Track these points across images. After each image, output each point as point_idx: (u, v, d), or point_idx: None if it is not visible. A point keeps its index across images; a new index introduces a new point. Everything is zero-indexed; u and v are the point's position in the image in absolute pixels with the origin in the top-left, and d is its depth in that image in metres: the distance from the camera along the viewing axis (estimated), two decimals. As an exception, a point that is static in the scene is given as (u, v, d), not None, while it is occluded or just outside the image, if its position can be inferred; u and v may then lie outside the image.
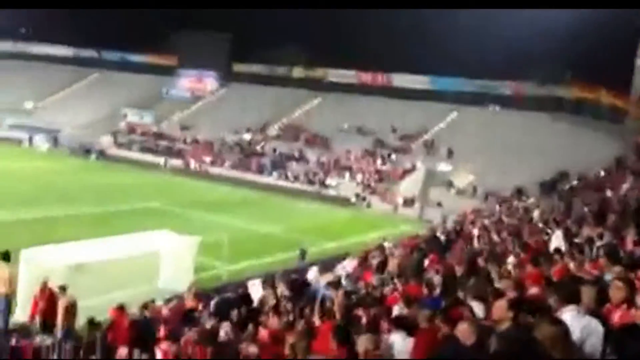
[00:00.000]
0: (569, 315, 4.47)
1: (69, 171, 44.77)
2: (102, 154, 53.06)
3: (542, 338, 3.62)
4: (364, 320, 7.40)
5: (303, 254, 23.89)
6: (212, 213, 32.11)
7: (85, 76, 71.31)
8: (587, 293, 4.98)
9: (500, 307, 4.89)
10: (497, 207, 33.46)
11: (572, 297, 4.68)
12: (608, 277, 6.64)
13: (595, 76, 44.39)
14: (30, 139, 56.22)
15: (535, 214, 25.11)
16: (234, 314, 11.19)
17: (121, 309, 12.95)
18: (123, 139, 56.53)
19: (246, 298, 13.89)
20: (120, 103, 62.20)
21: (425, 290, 10.68)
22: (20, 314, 14.19)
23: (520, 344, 3.45)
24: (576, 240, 14.22)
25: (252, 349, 7.90)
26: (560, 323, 3.86)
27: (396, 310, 8.59)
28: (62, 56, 75.10)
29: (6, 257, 13.08)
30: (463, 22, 47.87)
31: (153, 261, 19.06)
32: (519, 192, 37.25)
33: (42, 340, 12.49)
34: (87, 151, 52.99)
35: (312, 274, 16.43)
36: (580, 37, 41.80)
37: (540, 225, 21.46)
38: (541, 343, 3.52)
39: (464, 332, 4.52)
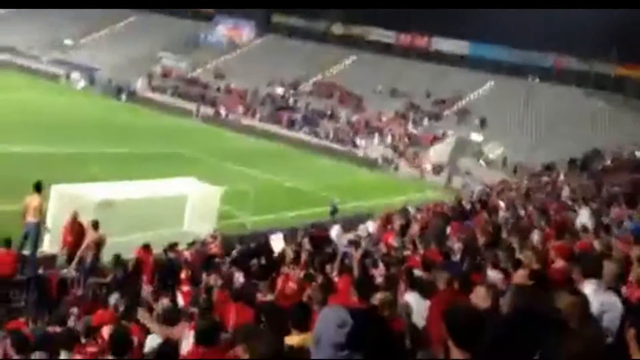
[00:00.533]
0: (589, 289, 4.45)
1: (102, 110, 45.27)
2: (132, 95, 53.40)
3: (560, 306, 3.62)
4: (380, 279, 7.44)
5: (334, 209, 23.99)
6: (240, 164, 32.32)
7: (126, 17, 71.33)
8: (609, 269, 4.93)
9: (521, 276, 4.87)
10: (526, 181, 33.08)
11: (593, 271, 4.65)
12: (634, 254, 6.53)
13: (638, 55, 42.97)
14: (68, 75, 56.80)
15: (565, 190, 24.77)
16: (254, 263, 11.37)
17: (147, 248, 13.27)
18: (157, 82, 56.79)
19: (267, 249, 14.10)
20: (157, 46, 62.27)
21: (444, 256, 10.70)
22: (48, 245, 14.62)
23: (536, 302, 3.44)
24: (604, 220, 13.99)
25: (269, 297, 8.04)
26: (579, 294, 3.85)
27: (415, 273, 8.64)
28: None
29: (38, 187, 13.38)
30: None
31: (178, 205, 19.43)
32: (549, 168, 36.68)
33: (68, 272, 12.88)
34: (119, 90, 53.44)
35: (334, 232, 16.56)
36: (627, 14, 40.34)
37: (569, 202, 21.20)
38: (559, 311, 3.52)
39: (479, 296, 4.52)
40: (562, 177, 33.56)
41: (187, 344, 5.71)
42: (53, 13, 66.52)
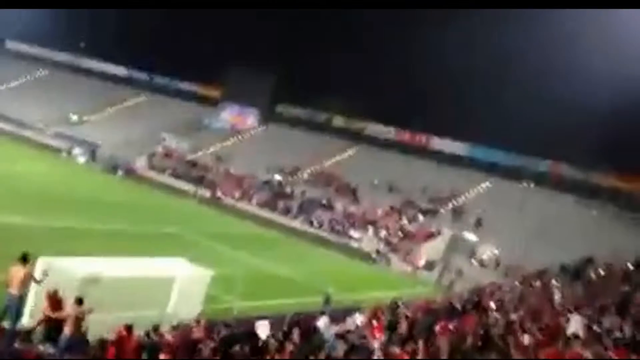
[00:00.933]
0: None
1: (100, 186, 45.61)
2: (128, 172, 53.85)
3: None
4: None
5: (327, 299, 23.64)
6: (232, 247, 32.15)
7: (134, 96, 73.30)
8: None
9: None
10: (518, 284, 32.83)
11: None
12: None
13: (635, 167, 43.89)
14: (69, 150, 57.56)
15: (556, 296, 24.57)
16: (237, 349, 11.09)
17: (129, 328, 12.95)
18: (157, 162, 57.46)
19: (252, 336, 13.77)
20: (160, 127, 63.53)
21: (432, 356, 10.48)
22: (27, 320, 14.26)
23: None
24: (595, 328, 13.82)
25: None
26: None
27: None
28: (113, 74, 77.72)
29: (25, 258, 13.25)
30: (510, 95, 48.17)
31: (165, 286, 19.07)
32: (542, 273, 36.47)
33: (45, 348, 12.51)
34: (114, 168, 53.97)
35: (322, 323, 16.23)
36: (623, 127, 41.60)
37: (560, 308, 20.97)
38: None
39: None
40: (554, 282, 33.36)
41: None
42: (62, 88, 68.49)
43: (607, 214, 44.39)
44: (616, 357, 9.38)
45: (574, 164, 49.71)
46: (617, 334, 12.70)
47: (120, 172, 53.28)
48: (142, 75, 76.68)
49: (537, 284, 33.03)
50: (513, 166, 52.29)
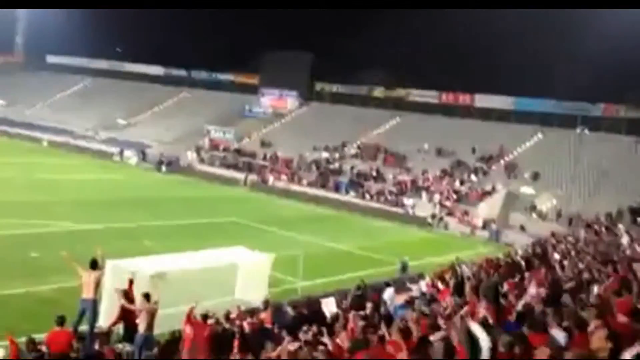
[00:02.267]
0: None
1: (154, 184, 46.70)
2: (169, 166, 54.92)
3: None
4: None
5: (404, 266, 23.65)
6: (288, 229, 32.50)
7: (175, 94, 74.49)
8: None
9: (599, 338, 4.66)
10: (583, 232, 32.04)
11: None
12: None
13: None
14: (121, 153, 59.09)
15: (624, 240, 23.88)
16: (305, 329, 11.23)
17: (205, 317, 13.32)
18: (205, 155, 58.36)
19: (319, 315, 13.93)
20: (204, 120, 64.41)
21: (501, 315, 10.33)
22: (103, 321, 14.83)
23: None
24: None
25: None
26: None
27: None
28: (152, 75, 79.09)
29: (94, 264, 13.75)
30: (549, 43, 46.58)
31: (229, 274, 19.53)
32: (607, 218, 35.49)
33: (122, 347, 12.99)
34: (159, 164, 55.16)
35: (387, 294, 16.25)
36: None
37: (629, 252, 20.39)
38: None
39: (540, 357, 4.33)
40: (620, 226, 32.40)
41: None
42: (105, 94, 70.19)
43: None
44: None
45: (628, 103, 47.82)
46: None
47: (164, 168, 54.42)
48: (180, 72, 77.80)
49: (603, 229, 32.18)
50: (564, 114, 50.67)
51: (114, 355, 12.44)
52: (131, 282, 14.78)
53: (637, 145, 45.00)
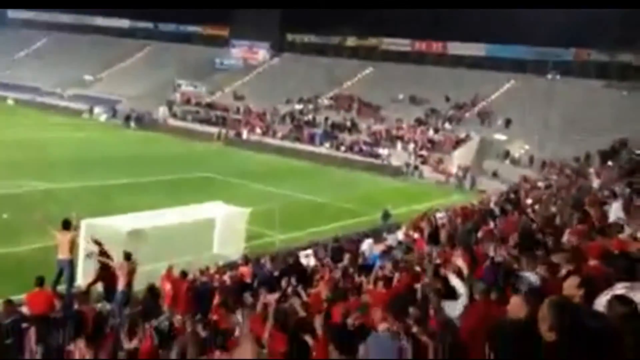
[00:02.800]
0: (619, 291, 4.29)
1: (126, 141, 46.00)
2: (140, 121, 54.08)
3: (613, 316, 3.49)
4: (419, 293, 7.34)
5: (386, 215, 23.82)
6: (264, 183, 32.46)
7: (141, 48, 72.66)
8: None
9: (571, 285, 4.73)
10: (555, 177, 32.59)
11: (626, 272, 4.46)
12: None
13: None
14: (91, 110, 57.91)
15: (595, 184, 24.34)
16: (285, 282, 11.34)
17: (184, 274, 13.36)
18: (177, 109, 57.51)
19: (298, 268, 14.06)
20: (174, 74, 63.15)
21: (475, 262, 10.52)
22: (82, 280, 14.80)
23: (584, 318, 3.29)
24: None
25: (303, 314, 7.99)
26: (631, 303, 3.71)
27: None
28: (118, 28, 76.82)
29: (66, 225, 13.60)
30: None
31: (207, 230, 19.56)
32: (577, 162, 36.11)
33: (102, 305, 13.00)
34: (127, 118, 54.30)
35: (366, 245, 16.46)
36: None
37: (600, 195, 20.80)
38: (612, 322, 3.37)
39: (515, 306, 4.41)
40: (591, 170, 33.01)
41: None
42: (71, 52, 68.21)
43: (637, 92, 43.17)
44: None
45: (599, 48, 48.00)
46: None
47: (132, 124, 53.58)
48: (146, 25, 75.61)
49: (573, 173, 32.77)
50: (535, 60, 50.73)
51: (94, 314, 12.45)
52: (98, 243, 14.46)
53: (607, 89, 45.44)
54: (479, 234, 14.69)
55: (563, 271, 7.41)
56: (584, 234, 11.93)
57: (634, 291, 4.44)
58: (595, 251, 8.54)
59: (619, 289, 4.40)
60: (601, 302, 4.41)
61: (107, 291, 13.45)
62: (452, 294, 6.57)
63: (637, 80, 45.12)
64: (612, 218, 14.34)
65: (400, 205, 29.03)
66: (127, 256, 13.39)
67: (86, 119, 56.22)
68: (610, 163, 33.61)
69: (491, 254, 10.84)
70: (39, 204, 22.74)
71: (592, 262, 7.95)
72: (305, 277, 12.30)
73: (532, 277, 7.74)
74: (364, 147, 45.95)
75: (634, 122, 37.95)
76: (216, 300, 12.69)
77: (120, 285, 13.04)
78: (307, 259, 15.24)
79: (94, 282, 14.28)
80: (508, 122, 44.85)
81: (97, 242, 14.54)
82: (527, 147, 41.66)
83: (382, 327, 4.49)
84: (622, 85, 45.09)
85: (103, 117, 56.95)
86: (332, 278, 10.90)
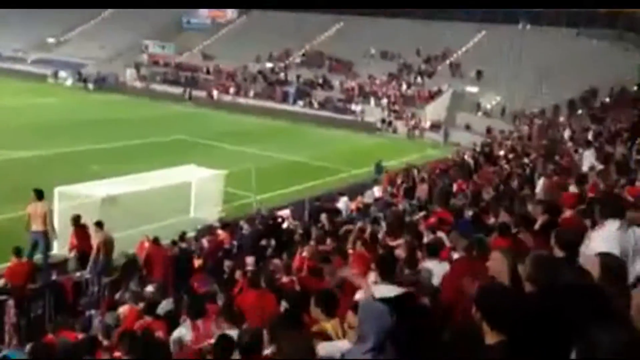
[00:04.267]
0: (613, 226, 4.34)
1: (94, 106, 44.96)
2: (103, 82, 52.94)
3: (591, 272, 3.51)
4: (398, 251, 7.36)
5: (379, 167, 23.71)
6: (238, 144, 32.15)
7: (103, 9, 70.36)
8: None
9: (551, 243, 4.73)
10: (526, 127, 32.93)
11: (615, 213, 4.49)
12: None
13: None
14: (55, 74, 56.32)
15: (566, 133, 24.64)
16: (264, 244, 11.33)
17: (156, 241, 13.25)
18: (145, 71, 56.28)
19: (276, 228, 14.06)
20: (141, 35, 61.52)
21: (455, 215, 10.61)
22: (58, 249, 14.60)
23: (565, 273, 3.32)
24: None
25: (286, 279, 7.99)
26: (610, 256, 3.73)
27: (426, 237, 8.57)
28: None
29: (40, 194, 13.32)
30: None
31: (183, 193, 19.40)
32: (548, 112, 36.49)
33: (80, 275, 12.88)
34: (84, 80, 53.14)
35: (342, 203, 16.48)
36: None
37: (571, 144, 21.08)
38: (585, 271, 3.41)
39: (496, 260, 4.41)
40: (562, 119, 33.38)
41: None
42: (30, 12, 65.68)
43: (608, 40, 43.40)
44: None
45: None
46: (634, 159, 12.74)
47: (90, 86, 52.44)
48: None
49: (545, 123, 33.13)
50: (506, 10, 50.42)
51: (72, 284, 12.36)
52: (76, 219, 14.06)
53: (578, 37, 45.57)
54: (455, 188, 14.83)
55: (538, 223, 7.51)
56: (557, 184, 12.09)
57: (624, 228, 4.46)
58: (570, 201, 8.64)
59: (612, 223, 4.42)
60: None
61: (83, 260, 13.28)
62: (435, 252, 6.61)
63: (606, 27, 45.29)
64: (585, 166, 14.58)
65: (375, 161, 29.08)
66: (99, 224, 13.19)
67: (51, 84, 54.71)
68: (580, 112, 34.06)
69: (466, 210, 10.95)
70: (6, 173, 22.25)
71: (568, 213, 8.06)
72: (285, 238, 12.31)
73: (508, 219, 7.84)
74: (337, 104, 45.71)
75: (604, 70, 38.25)
76: (196, 264, 12.68)
77: (94, 253, 12.88)
78: (286, 219, 15.22)
79: (71, 249, 14.04)
80: (479, 74, 44.87)
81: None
82: (498, 98, 41.85)
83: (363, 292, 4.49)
84: (592, 32, 45.23)
85: (69, 82, 55.49)
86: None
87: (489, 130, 36.63)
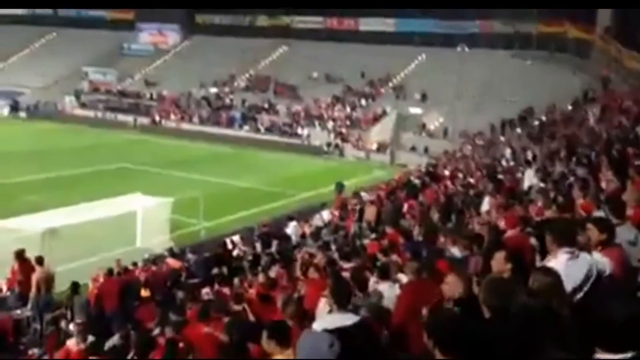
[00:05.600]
0: (563, 257, 4.42)
1: (32, 135, 43.56)
2: (36, 110, 51.88)
3: (536, 288, 3.60)
4: (347, 273, 7.38)
5: (340, 186, 23.53)
6: (185, 170, 31.73)
7: (41, 36, 68.66)
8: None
9: (498, 261, 4.83)
10: (469, 147, 33.76)
11: (567, 241, 4.58)
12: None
13: (561, 10, 44.26)
14: (-10, 104, 54.44)
15: (506, 152, 25.35)
16: (215, 272, 11.17)
17: (110, 272, 12.87)
18: (86, 99, 55.08)
19: (225, 256, 13.87)
20: (80, 62, 60.25)
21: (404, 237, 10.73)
22: (-3, 287, 13.98)
23: (516, 293, 3.38)
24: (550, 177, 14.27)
25: (238, 308, 7.86)
26: (554, 273, 3.84)
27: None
28: (15, 15, 71.95)
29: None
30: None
31: (128, 223, 18.93)
32: (493, 131, 37.56)
33: (22, 312, 12.33)
34: (14, 108, 51.97)
35: (291, 228, 16.42)
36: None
37: (512, 163, 21.70)
38: (537, 292, 3.48)
39: (451, 284, 4.48)
40: (502, 138, 34.41)
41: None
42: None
43: (541, 61, 45.26)
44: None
45: (502, 19, 49.75)
46: (572, 179, 13.18)
47: (22, 114, 51.08)
48: (45, 11, 71.16)
49: (484, 143, 34.07)
50: (444, 34, 52.00)
51: (12, 323, 11.81)
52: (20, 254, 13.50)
53: (513, 59, 47.28)
54: (405, 208, 15.01)
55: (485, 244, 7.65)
56: (500, 204, 12.36)
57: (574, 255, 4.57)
58: (511, 221, 8.86)
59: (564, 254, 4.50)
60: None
61: (23, 297, 12.72)
62: (386, 274, 6.65)
63: (540, 49, 47.25)
64: (526, 184, 15.03)
65: (324, 184, 29.17)
66: (39, 260, 12.69)
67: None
68: (519, 131, 35.19)
69: (415, 232, 11.08)
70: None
71: (509, 233, 8.24)
72: (235, 265, 12.15)
73: (456, 252, 7.97)
74: (284, 128, 45.81)
75: (539, 89, 39.81)
76: (143, 295, 12.36)
77: (34, 290, 12.37)
78: (236, 248, 15.04)
79: (9, 287, 13.48)
80: (424, 96, 45.89)
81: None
82: (441, 119, 42.84)
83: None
84: (526, 54, 47.08)
85: (5, 111, 53.66)
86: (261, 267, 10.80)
87: (426, 150, 37.96)
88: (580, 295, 4.15)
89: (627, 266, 4.88)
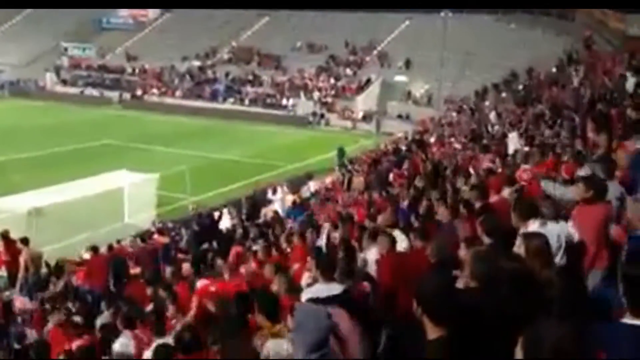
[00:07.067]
0: (533, 227, 4.48)
1: (14, 113, 42.94)
2: (15, 87, 51.14)
3: (524, 253, 3.60)
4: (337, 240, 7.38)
5: (342, 152, 23.45)
6: (169, 145, 31.50)
7: (16, 12, 67.05)
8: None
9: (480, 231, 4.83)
10: (454, 113, 33.73)
11: (531, 214, 4.70)
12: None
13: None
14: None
15: (492, 116, 25.35)
16: (205, 247, 11.15)
17: (95, 249, 12.80)
18: (67, 75, 54.22)
19: (214, 229, 13.85)
20: (59, 37, 59.12)
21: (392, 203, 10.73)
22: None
23: (503, 264, 3.38)
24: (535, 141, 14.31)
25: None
26: (541, 236, 3.85)
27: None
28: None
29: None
30: None
31: (115, 200, 18.84)
32: (477, 96, 37.49)
33: (10, 294, 12.27)
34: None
35: (278, 198, 16.42)
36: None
37: (497, 127, 21.73)
38: (521, 259, 3.49)
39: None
40: (487, 103, 34.38)
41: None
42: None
43: (525, 24, 45.05)
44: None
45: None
46: (556, 140, 13.20)
47: (3, 92, 50.29)
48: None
49: (469, 107, 34.03)
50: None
51: (2, 304, 11.75)
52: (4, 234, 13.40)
53: (497, 23, 47.03)
54: (391, 178, 15.02)
55: (476, 206, 7.66)
56: (486, 169, 12.40)
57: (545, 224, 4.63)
58: (496, 185, 8.90)
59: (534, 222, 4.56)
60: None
61: (12, 278, 12.65)
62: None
63: (523, 12, 46.92)
64: (511, 148, 15.06)
65: (311, 154, 29.16)
66: (25, 241, 12.59)
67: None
68: (504, 95, 35.17)
69: (402, 198, 11.09)
70: None
71: (494, 197, 8.27)
72: (224, 238, 12.14)
73: (444, 211, 7.98)
74: (268, 100, 45.48)
75: (522, 53, 39.70)
76: (132, 272, 12.34)
77: (22, 271, 12.30)
78: (223, 220, 15.01)
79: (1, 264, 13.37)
80: (408, 63, 45.60)
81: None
82: (426, 86, 42.68)
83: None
84: (510, 18, 46.79)
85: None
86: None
87: (407, 117, 38.05)
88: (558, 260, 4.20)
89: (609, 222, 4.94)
